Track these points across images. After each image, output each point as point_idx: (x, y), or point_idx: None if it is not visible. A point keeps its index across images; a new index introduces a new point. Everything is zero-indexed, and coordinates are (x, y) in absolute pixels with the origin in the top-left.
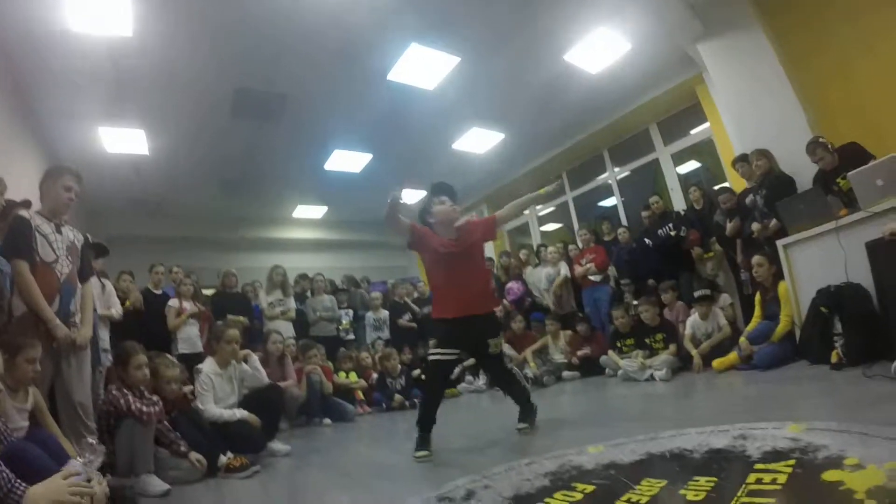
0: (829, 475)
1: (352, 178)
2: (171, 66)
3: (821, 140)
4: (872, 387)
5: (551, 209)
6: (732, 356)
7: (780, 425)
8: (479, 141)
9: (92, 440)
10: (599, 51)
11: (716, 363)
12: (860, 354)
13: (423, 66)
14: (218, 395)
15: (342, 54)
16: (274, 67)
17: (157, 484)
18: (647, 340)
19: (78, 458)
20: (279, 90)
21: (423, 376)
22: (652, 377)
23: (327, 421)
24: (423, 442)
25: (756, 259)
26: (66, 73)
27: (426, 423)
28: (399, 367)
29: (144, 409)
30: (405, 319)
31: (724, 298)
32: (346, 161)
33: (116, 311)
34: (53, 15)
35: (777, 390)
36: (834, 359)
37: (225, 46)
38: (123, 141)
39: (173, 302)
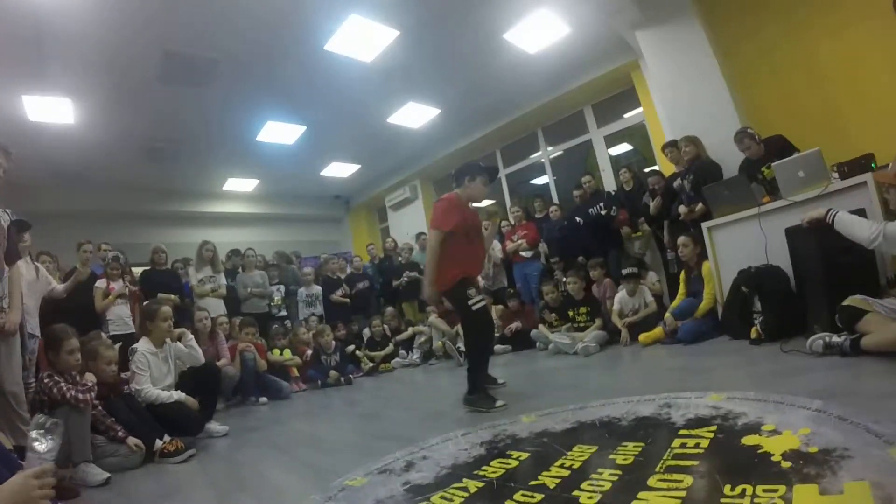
0: (748, 440)
1: (285, 151)
2: (100, 29)
3: (748, 130)
4: (789, 360)
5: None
6: (658, 331)
7: (702, 395)
8: (414, 115)
9: (26, 429)
10: (539, 32)
11: (642, 337)
12: (777, 331)
13: (362, 38)
14: (154, 375)
15: (278, 21)
16: (205, 32)
17: (96, 473)
18: (569, 312)
19: (38, 447)
20: (210, 55)
21: (474, 326)
22: (581, 350)
23: (263, 399)
24: (489, 395)
25: (682, 239)
26: None
27: (482, 378)
28: (333, 343)
29: (80, 395)
30: (338, 294)
31: (651, 276)
32: (279, 133)
33: (62, 286)
34: None
35: (699, 363)
36: (753, 335)
37: (155, 8)
38: (47, 110)
39: (101, 282)
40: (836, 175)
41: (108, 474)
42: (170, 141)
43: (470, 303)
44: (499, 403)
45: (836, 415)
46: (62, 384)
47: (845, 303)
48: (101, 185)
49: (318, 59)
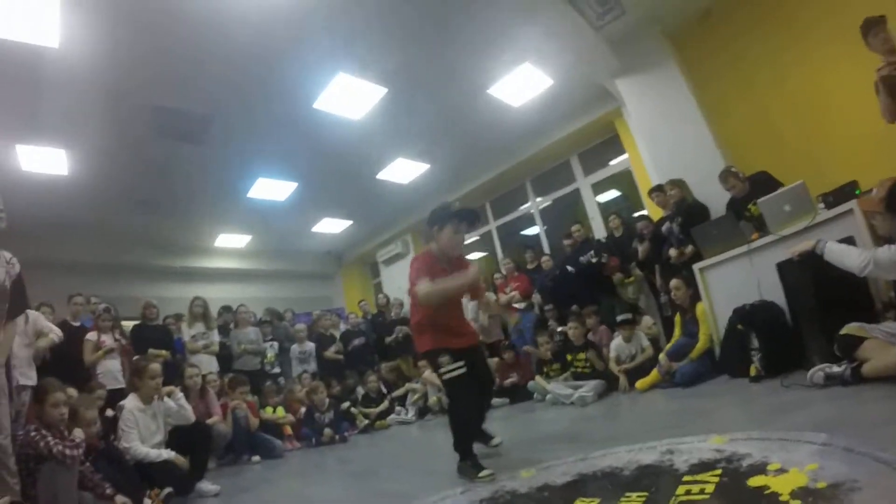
0: (755, 481)
1: (276, 207)
2: (96, 83)
3: (732, 169)
4: (790, 395)
5: (476, 238)
6: (654, 375)
7: (704, 438)
8: (403, 171)
9: (14, 484)
10: (522, 86)
11: (639, 383)
12: (777, 366)
13: (350, 96)
14: (142, 433)
15: (267, 80)
16: (199, 89)
17: None
18: (568, 357)
19: None
20: (203, 112)
21: (448, 395)
22: (578, 400)
23: (256, 458)
24: (476, 463)
25: (673, 283)
26: None
27: (468, 447)
28: (327, 400)
29: (68, 451)
30: (332, 351)
31: (646, 321)
32: (271, 189)
33: (56, 334)
34: None
35: (699, 405)
36: (752, 372)
37: (151, 64)
38: (41, 160)
39: (91, 335)
40: (822, 206)
41: None
42: (162, 194)
43: (441, 371)
44: (483, 473)
45: (842, 446)
46: (49, 438)
47: (843, 331)
48: (92, 237)
49: (308, 116)
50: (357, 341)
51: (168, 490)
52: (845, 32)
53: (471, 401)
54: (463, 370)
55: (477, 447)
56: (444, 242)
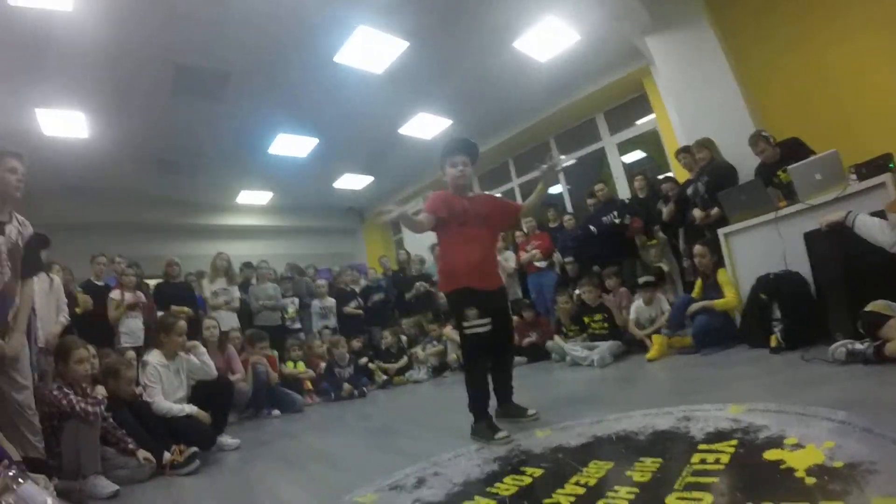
0: (771, 454)
1: (297, 163)
2: (112, 44)
3: (763, 133)
4: (810, 369)
5: (498, 195)
6: (658, 342)
7: (721, 407)
8: (426, 126)
9: (37, 441)
10: (549, 40)
11: (648, 356)
12: (798, 339)
13: (372, 50)
14: (165, 388)
15: (288, 34)
16: (217, 45)
17: (105, 485)
18: (585, 319)
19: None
20: (222, 68)
21: (465, 351)
22: (598, 361)
23: (276, 412)
24: (491, 425)
25: (698, 249)
26: (1, 50)
27: (483, 407)
28: (347, 355)
29: (90, 408)
30: (352, 306)
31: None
32: (291, 145)
33: (64, 317)
34: None
35: (718, 373)
36: (773, 343)
37: (167, 22)
38: (61, 123)
39: (115, 293)
40: (853, 177)
41: (116, 487)
42: (183, 154)
43: (465, 324)
44: (499, 435)
45: (862, 426)
46: (71, 396)
47: (867, 308)
48: (114, 198)
49: (329, 70)
50: (376, 297)
51: (193, 450)
52: (884, 13)
53: (486, 360)
54: (487, 328)
55: (453, 413)
56: (449, 178)
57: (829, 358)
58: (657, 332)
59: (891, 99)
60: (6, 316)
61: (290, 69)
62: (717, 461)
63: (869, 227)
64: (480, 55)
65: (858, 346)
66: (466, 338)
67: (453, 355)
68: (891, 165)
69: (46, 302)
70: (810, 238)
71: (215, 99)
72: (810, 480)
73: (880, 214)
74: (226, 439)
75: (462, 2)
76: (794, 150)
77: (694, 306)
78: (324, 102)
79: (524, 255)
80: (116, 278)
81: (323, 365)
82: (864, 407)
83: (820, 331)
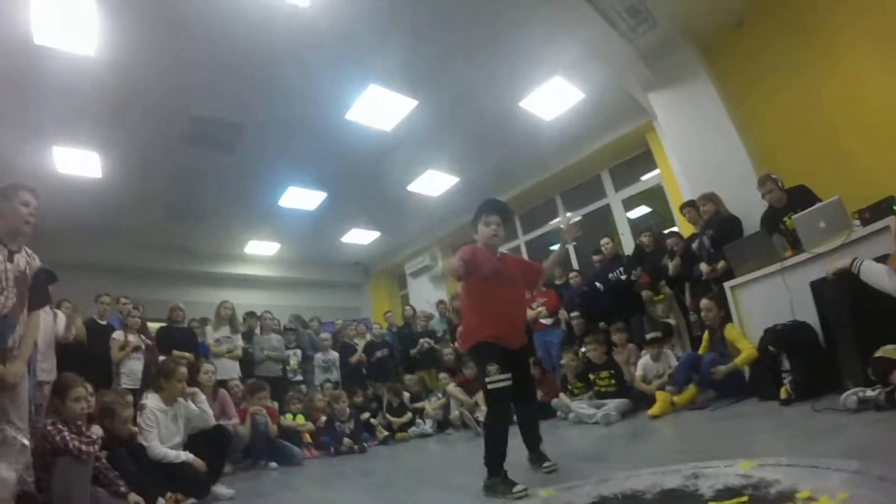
0: None
1: (306, 216)
2: (131, 90)
3: (772, 176)
4: (822, 420)
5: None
6: (662, 398)
7: (731, 463)
8: (433, 183)
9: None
10: (554, 99)
11: (650, 411)
12: (808, 389)
13: (382, 108)
14: (162, 433)
15: (301, 91)
16: (233, 97)
17: None
18: (591, 377)
19: None
20: (236, 121)
21: (488, 405)
22: (602, 419)
23: (273, 464)
24: (507, 480)
25: (704, 303)
26: (25, 86)
27: (499, 462)
28: (348, 409)
29: (83, 447)
30: (354, 359)
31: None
32: (301, 198)
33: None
34: (16, 21)
35: (728, 428)
36: (783, 395)
37: (186, 73)
38: (76, 162)
39: (118, 334)
40: (857, 222)
41: None
42: (194, 201)
43: (487, 380)
44: (518, 489)
45: (876, 475)
46: (65, 433)
47: (877, 354)
48: (123, 241)
49: (340, 127)
50: (380, 353)
51: (192, 501)
52: (878, 41)
53: (508, 413)
54: (509, 383)
55: (457, 470)
56: (481, 237)
57: (840, 407)
58: (662, 388)
59: (883, 121)
60: (6, 341)
61: (303, 124)
62: None
63: (875, 273)
64: (487, 115)
65: (870, 392)
66: (491, 393)
67: (456, 412)
68: (894, 208)
69: (46, 335)
70: (817, 287)
71: (228, 150)
72: None
73: (885, 259)
74: (220, 489)
75: (470, 62)
76: (801, 196)
77: (721, 369)
78: (334, 158)
79: (530, 313)
80: (121, 319)
81: (323, 418)
82: (878, 454)
83: (830, 380)
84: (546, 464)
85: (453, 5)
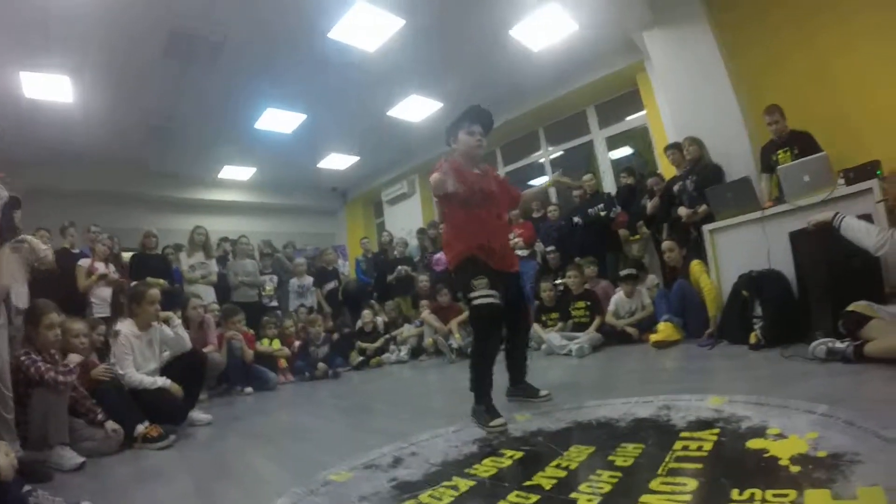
0: (754, 443)
1: (283, 139)
2: (101, 7)
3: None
4: (790, 366)
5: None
6: (669, 330)
7: (702, 397)
8: (415, 109)
9: (8, 416)
10: (545, 29)
11: (654, 337)
12: (778, 336)
13: (367, 26)
14: (138, 359)
15: (284, 4)
16: (211, 11)
17: (70, 457)
18: (569, 309)
19: None
20: (215, 37)
21: (473, 324)
22: (570, 352)
23: (248, 389)
24: (492, 409)
25: (666, 244)
26: None
27: (485, 390)
28: (323, 334)
29: (60, 378)
30: (330, 286)
31: (651, 279)
32: (279, 120)
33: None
34: None
35: (696, 365)
36: (752, 340)
37: None
38: (45, 87)
39: (84, 261)
40: (842, 181)
41: (83, 459)
42: (168, 120)
43: (471, 295)
44: (495, 422)
45: (844, 419)
46: (40, 363)
47: (849, 308)
48: (95, 165)
49: (322, 46)
50: (329, 285)
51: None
52: (891, 22)
53: (496, 336)
54: (495, 300)
55: (431, 394)
56: (463, 147)
57: (808, 355)
58: (647, 324)
59: (893, 108)
60: None
61: (284, 41)
62: (699, 448)
63: (855, 229)
64: (476, 39)
65: (839, 344)
66: (475, 309)
67: (430, 339)
68: (878, 172)
69: (20, 262)
70: (795, 238)
71: (206, 65)
72: (795, 469)
73: (867, 218)
74: (197, 414)
75: None
76: (804, 140)
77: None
78: (315, 78)
79: None
80: (90, 247)
81: (297, 343)
82: (845, 402)
83: (800, 329)
84: (542, 392)
85: None
